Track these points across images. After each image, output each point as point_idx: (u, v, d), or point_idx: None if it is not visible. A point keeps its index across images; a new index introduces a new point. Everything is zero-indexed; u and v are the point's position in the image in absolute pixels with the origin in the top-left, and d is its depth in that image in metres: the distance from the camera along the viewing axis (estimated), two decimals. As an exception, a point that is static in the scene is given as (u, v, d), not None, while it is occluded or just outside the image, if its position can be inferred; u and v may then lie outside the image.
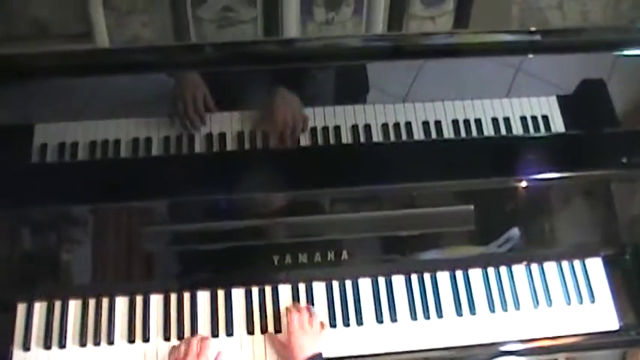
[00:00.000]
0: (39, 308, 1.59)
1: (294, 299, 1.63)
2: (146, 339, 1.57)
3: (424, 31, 1.43)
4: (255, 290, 1.63)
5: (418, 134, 1.61)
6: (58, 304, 1.60)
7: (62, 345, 1.56)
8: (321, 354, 1.52)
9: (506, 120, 1.63)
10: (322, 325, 1.59)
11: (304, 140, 1.58)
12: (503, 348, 1.62)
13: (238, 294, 1.63)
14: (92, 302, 1.60)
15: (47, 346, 1.55)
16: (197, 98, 1.50)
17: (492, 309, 1.63)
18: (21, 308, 1.59)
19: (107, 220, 1.59)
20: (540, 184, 1.66)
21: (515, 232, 1.65)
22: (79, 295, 1.61)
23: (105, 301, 1.60)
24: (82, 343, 1.56)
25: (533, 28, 1.43)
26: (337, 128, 1.59)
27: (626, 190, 1.68)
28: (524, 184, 1.65)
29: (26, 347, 1.55)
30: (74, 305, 1.60)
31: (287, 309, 1.60)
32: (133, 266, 1.60)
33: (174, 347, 1.56)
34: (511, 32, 1.46)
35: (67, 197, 1.56)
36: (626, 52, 1.47)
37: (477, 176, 1.63)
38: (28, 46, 1.32)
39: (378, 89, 1.55)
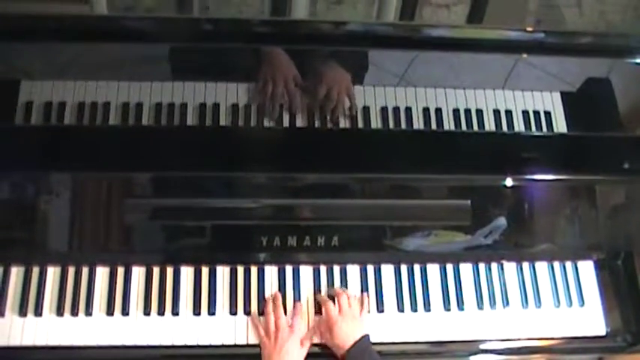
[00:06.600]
0: (16, 273, 1.55)
1: (280, 281, 1.59)
2: (126, 312, 1.53)
3: (435, 23, 1.40)
4: (240, 270, 1.60)
5: (418, 121, 1.56)
6: (35, 270, 1.55)
7: (38, 313, 1.52)
8: (367, 336, 1.50)
9: (508, 113, 1.59)
10: (362, 305, 1.56)
11: (299, 121, 1.53)
12: (483, 346, 1.60)
13: (223, 272, 1.59)
14: (72, 270, 1.56)
15: (23, 313, 1.51)
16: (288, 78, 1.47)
17: (481, 306, 1.61)
18: (-3, 271, 1.54)
19: (91, 188, 1.54)
20: (539, 184, 1.63)
21: (501, 222, 1.62)
22: (59, 262, 1.56)
23: (85, 271, 1.56)
24: (60, 313, 1.52)
25: (530, 28, 1.39)
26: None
27: (625, 195, 1.66)
28: (522, 183, 1.62)
29: (0, 313, 1.50)
30: (53, 272, 1.56)
31: (322, 297, 1.57)
32: (116, 236, 1.55)
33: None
34: (521, 31, 1.40)
35: (50, 161, 1.51)
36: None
37: (476, 172, 1.60)
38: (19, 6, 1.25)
39: (377, 69, 1.50)
